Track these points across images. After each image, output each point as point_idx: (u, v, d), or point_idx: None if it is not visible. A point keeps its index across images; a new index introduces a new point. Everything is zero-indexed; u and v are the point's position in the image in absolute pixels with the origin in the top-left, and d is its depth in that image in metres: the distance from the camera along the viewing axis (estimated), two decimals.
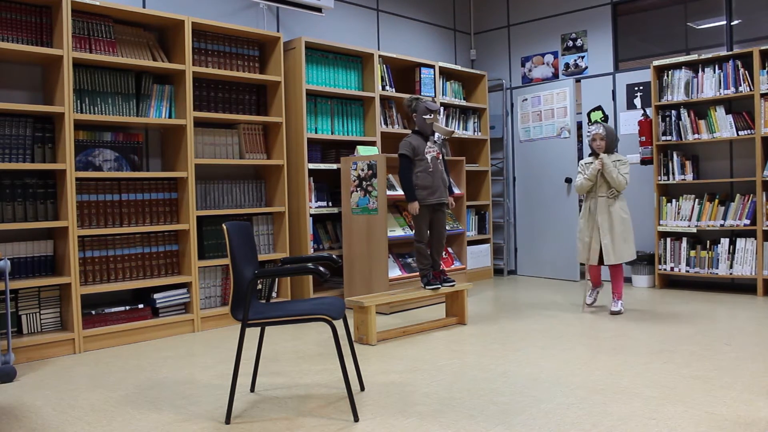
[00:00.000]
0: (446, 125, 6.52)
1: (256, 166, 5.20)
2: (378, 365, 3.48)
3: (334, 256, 3.21)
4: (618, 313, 4.69)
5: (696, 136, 5.57)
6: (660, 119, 5.75)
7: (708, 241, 5.56)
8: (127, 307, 4.22)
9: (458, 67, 6.63)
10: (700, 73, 5.54)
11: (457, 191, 5.73)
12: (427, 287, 4.40)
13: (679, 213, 5.69)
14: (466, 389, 3.01)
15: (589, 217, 4.77)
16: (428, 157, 4.36)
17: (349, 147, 5.63)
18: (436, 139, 4.46)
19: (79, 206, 4.08)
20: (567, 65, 6.67)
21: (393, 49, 6.47)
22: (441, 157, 4.45)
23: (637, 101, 6.14)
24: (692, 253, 5.60)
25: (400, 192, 5.06)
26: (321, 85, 5.37)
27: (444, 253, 5.43)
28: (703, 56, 5.52)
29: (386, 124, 5.89)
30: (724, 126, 5.42)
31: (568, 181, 6.45)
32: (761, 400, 2.73)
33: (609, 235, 4.67)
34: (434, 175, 4.36)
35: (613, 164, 4.65)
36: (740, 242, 5.34)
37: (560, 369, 3.31)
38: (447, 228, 5.38)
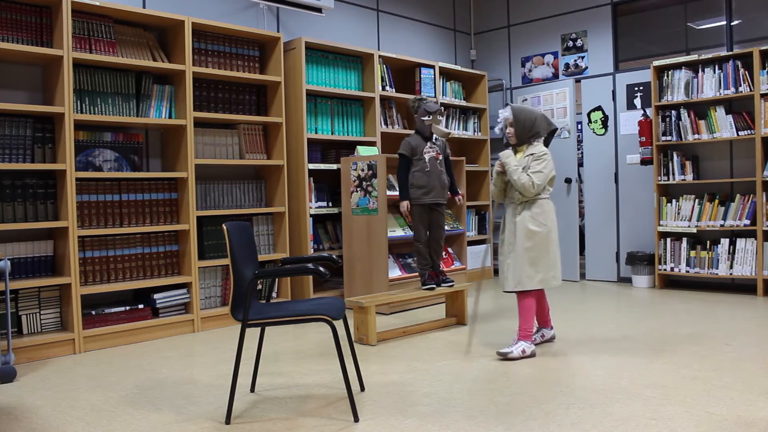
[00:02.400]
0: (446, 125, 6.52)
1: (256, 166, 5.20)
2: (378, 365, 3.48)
3: (334, 257, 3.21)
4: (506, 356, 3.47)
5: (696, 136, 5.57)
6: (660, 119, 5.75)
7: (708, 242, 5.56)
8: (127, 308, 4.22)
9: (458, 68, 6.63)
10: (700, 74, 5.54)
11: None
12: (422, 287, 4.40)
13: (679, 213, 5.69)
14: (467, 389, 3.01)
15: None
16: (426, 157, 4.37)
17: (349, 147, 5.63)
18: (433, 140, 4.45)
19: (79, 206, 4.08)
20: (567, 65, 6.67)
21: (393, 49, 6.47)
22: (441, 158, 4.44)
23: (637, 101, 6.14)
24: (692, 253, 5.60)
25: (391, 193, 5.06)
26: (321, 85, 5.37)
27: (444, 253, 5.42)
28: (703, 56, 5.51)
29: (386, 124, 5.89)
30: (724, 126, 5.42)
31: (568, 181, 6.45)
32: (761, 400, 2.73)
33: (511, 254, 3.64)
34: (431, 175, 4.36)
35: (526, 160, 3.62)
36: (740, 242, 5.34)
37: (560, 369, 3.31)
38: (447, 228, 5.38)
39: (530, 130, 3.64)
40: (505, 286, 3.67)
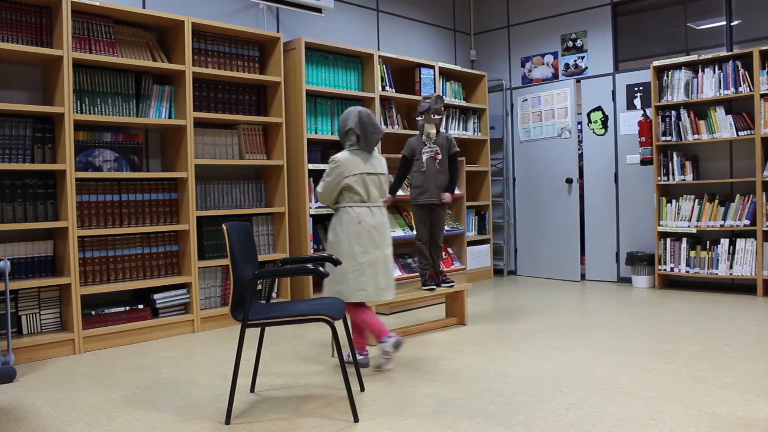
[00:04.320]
0: (446, 126, 6.51)
1: (256, 166, 5.20)
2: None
3: (334, 257, 3.21)
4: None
5: (696, 136, 5.57)
6: (660, 119, 5.75)
7: (708, 242, 5.56)
8: (127, 308, 4.22)
9: (458, 68, 6.63)
10: (700, 74, 5.54)
11: (456, 191, 5.73)
12: (423, 288, 4.40)
13: (679, 213, 5.69)
14: (466, 389, 3.01)
15: None
16: (424, 157, 4.36)
17: None
18: (424, 139, 4.40)
19: (79, 206, 4.08)
20: (567, 65, 6.67)
21: (393, 50, 6.47)
22: (440, 157, 4.39)
23: (637, 101, 6.14)
24: (692, 253, 5.60)
25: (400, 192, 5.06)
26: (321, 85, 5.37)
27: (444, 253, 5.43)
28: (703, 56, 5.51)
29: (386, 124, 5.89)
30: (724, 126, 5.42)
31: (569, 181, 6.45)
32: (761, 401, 2.73)
33: None
34: (426, 176, 4.35)
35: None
36: (740, 242, 5.34)
37: (560, 369, 3.31)
38: (447, 228, 5.38)
39: (342, 134, 3.53)
40: None
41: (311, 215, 5.20)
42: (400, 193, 5.02)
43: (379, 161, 3.55)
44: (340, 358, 2.62)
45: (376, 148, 3.57)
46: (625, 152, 6.23)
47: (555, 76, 6.76)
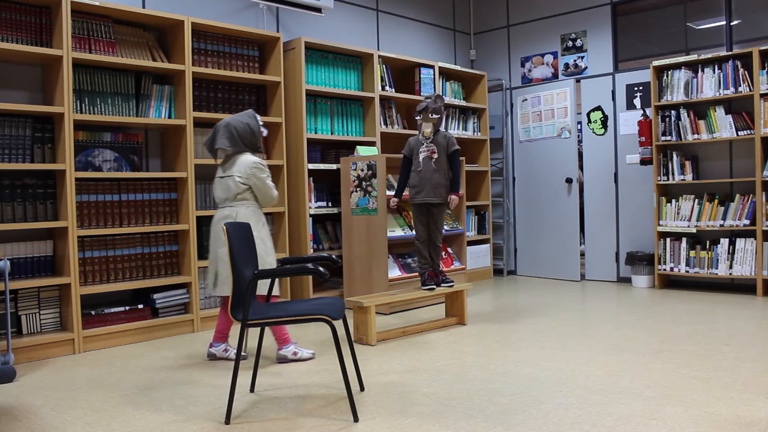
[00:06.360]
0: (446, 125, 6.51)
1: None
2: (378, 365, 3.48)
3: (333, 257, 3.21)
4: (284, 359, 3.63)
5: (696, 136, 5.57)
6: (660, 119, 5.75)
7: (708, 242, 5.56)
8: (127, 308, 4.22)
9: (458, 68, 6.63)
10: (699, 74, 5.54)
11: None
12: (422, 288, 4.40)
13: (678, 213, 5.69)
14: (466, 389, 3.01)
15: None
16: (420, 156, 4.37)
17: (349, 147, 5.63)
18: (421, 139, 4.41)
19: (79, 206, 4.08)
20: (567, 65, 6.67)
21: (393, 49, 6.47)
22: (436, 156, 4.37)
23: (637, 101, 6.14)
24: (692, 253, 5.60)
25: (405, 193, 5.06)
26: (321, 85, 5.37)
27: (444, 253, 5.42)
28: (703, 56, 5.52)
29: (386, 124, 5.89)
30: (723, 126, 5.42)
31: (569, 181, 6.45)
32: (761, 400, 2.73)
33: None
34: (421, 175, 4.36)
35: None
36: (740, 242, 5.34)
37: (560, 369, 3.31)
38: (447, 228, 5.37)
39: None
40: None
41: (311, 215, 5.20)
42: (391, 193, 5.02)
43: (235, 165, 3.62)
44: (340, 358, 2.62)
45: (243, 153, 3.67)
46: (624, 152, 6.23)
47: (555, 76, 6.76)
